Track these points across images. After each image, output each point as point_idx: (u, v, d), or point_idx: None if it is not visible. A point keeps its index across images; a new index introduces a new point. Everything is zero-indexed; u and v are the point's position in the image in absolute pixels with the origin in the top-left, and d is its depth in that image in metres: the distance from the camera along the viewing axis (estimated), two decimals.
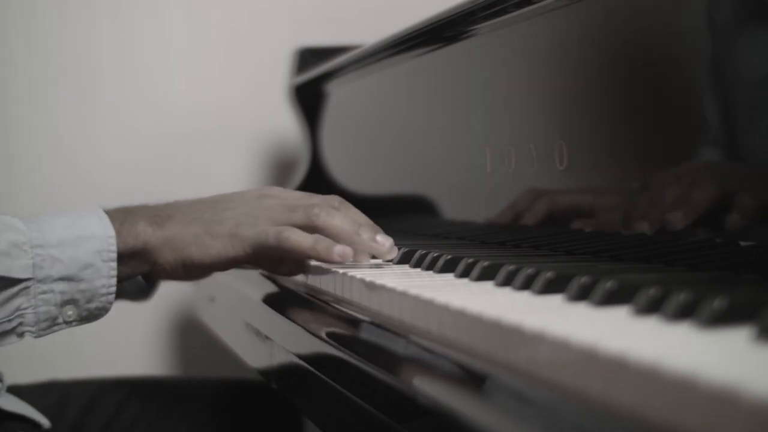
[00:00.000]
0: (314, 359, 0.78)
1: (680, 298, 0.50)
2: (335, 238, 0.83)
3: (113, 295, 0.81)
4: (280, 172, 1.86)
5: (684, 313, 0.49)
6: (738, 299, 0.47)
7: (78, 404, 1.18)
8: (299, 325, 0.83)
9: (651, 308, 0.52)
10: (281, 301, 0.94)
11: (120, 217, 0.82)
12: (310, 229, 0.84)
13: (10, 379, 1.09)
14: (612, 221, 0.82)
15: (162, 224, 0.82)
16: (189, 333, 1.81)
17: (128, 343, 1.77)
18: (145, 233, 0.82)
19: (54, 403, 1.15)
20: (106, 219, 0.81)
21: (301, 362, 0.81)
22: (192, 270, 0.84)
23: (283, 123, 1.79)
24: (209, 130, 1.85)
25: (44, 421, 1.06)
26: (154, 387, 1.27)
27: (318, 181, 1.58)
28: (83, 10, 1.78)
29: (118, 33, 1.80)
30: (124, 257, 0.82)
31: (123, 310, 1.17)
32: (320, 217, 0.83)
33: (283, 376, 0.91)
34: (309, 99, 1.61)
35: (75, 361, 1.57)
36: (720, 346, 0.44)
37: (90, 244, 0.80)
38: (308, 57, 1.65)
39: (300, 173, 1.62)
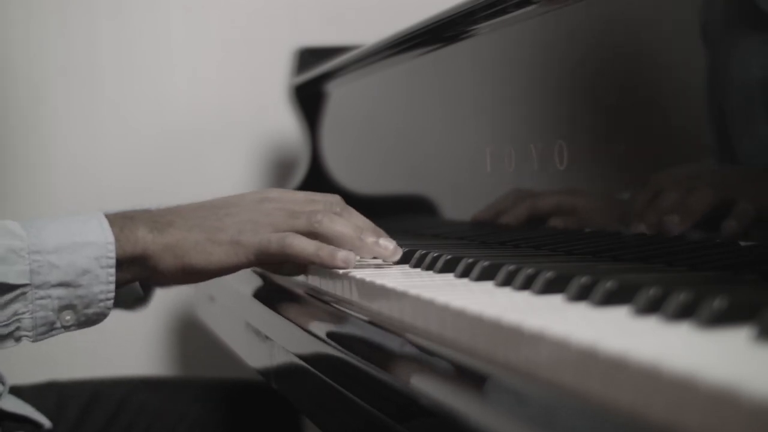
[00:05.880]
0: (314, 359, 0.78)
1: (680, 298, 0.49)
2: (338, 243, 0.83)
3: (112, 301, 0.81)
4: (280, 172, 1.86)
5: (684, 313, 0.49)
6: (738, 299, 0.47)
7: (77, 405, 1.18)
8: (299, 325, 0.83)
9: (651, 308, 0.51)
10: (281, 301, 0.94)
11: (120, 223, 0.82)
12: (313, 235, 0.84)
13: (10, 380, 1.09)
14: (607, 222, 0.82)
15: (162, 230, 0.82)
16: (189, 333, 1.81)
17: (128, 343, 1.77)
18: (145, 240, 0.81)
19: (53, 404, 1.15)
20: (106, 224, 0.81)
21: (301, 362, 0.81)
22: (193, 276, 0.84)
23: (283, 123, 1.79)
24: (209, 130, 1.85)
25: (45, 422, 1.06)
26: (154, 387, 1.27)
27: (318, 181, 1.57)
28: (83, 10, 1.78)
29: (118, 33, 1.80)
30: (123, 263, 0.81)
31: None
32: (323, 223, 0.83)
33: (283, 376, 0.91)
34: (309, 99, 1.61)
35: (74, 362, 1.56)
36: (720, 346, 0.44)
37: (88, 251, 0.79)
38: (308, 57, 1.65)
39: (300, 173, 1.62)
